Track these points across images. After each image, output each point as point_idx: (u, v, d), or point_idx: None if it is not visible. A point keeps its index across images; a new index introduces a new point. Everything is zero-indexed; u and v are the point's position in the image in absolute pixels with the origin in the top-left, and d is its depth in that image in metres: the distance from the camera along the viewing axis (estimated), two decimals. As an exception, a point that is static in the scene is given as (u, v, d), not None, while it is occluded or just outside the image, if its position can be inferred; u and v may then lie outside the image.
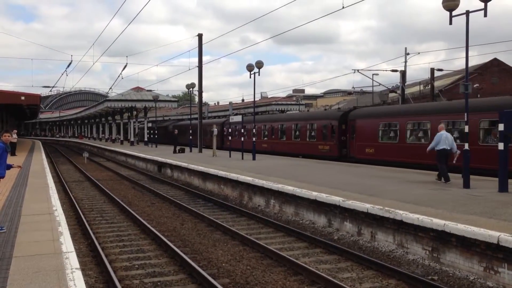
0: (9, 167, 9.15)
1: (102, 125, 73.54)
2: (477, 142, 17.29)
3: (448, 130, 15.95)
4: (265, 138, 34.35)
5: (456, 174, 14.41)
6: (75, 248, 7.53)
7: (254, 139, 26.19)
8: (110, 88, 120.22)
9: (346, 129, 25.57)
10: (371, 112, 24.79)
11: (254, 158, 24.76)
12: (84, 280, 5.85)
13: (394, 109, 24.40)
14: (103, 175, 26.83)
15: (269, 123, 34.50)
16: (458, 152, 14.08)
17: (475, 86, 31.66)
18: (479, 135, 17.57)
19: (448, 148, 14.14)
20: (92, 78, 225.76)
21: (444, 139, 14.19)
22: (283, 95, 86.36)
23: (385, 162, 21.58)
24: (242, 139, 27.31)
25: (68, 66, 36.69)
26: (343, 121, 25.89)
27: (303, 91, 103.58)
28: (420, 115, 20.89)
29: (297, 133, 30.35)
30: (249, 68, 24.26)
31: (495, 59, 42.81)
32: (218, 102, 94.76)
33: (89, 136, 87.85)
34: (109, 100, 51.55)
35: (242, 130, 29.96)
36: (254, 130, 27.06)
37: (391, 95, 41.75)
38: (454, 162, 14.23)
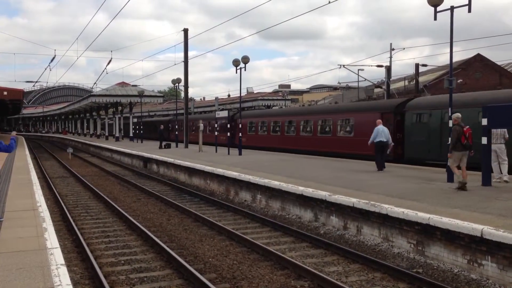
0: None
1: (86, 121, 72.79)
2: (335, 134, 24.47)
3: (303, 127, 24.50)
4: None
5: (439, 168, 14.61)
6: (60, 244, 7.46)
7: (240, 134, 26.16)
8: (95, 83, 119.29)
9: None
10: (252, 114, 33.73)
11: (240, 153, 24.74)
12: (70, 276, 5.80)
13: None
14: (88, 170, 26.60)
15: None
16: (392, 144, 16.18)
17: (459, 81, 31.94)
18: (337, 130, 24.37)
19: (385, 140, 15.61)
20: (77, 73, 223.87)
21: (381, 132, 15.61)
22: (269, 90, 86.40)
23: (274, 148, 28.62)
24: (228, 134, 27.25)
25: (52, 60, 36.24)
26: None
27: (289, 86, 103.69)
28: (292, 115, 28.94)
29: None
30: (235, 63, 24.18)
31: (478, 55, 43.25)
32: (204, 98, 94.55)
33: (73, 131, 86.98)
34: (94, 95, 51.00)
35: (240, 125, 28.66)
36: (240, 125, 27.01)
37: (377, 90, 42.01)
38: (388, 152, 15.98)
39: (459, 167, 11.63)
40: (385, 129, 15.87)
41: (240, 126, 26.90)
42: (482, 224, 7.63)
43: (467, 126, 11.81)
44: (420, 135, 19.10)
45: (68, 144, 50.58)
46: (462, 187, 11.21)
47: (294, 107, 43.08)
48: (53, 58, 36.45)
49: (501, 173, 12.74)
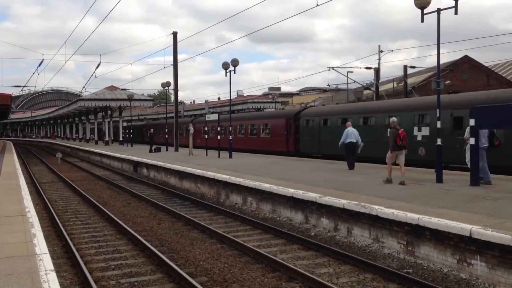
0: None
1: (75, 125, 72.33)
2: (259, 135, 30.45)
3: (252, 130, 28.33)
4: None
5: (429, 169, 14.72)
6: (49, 249, 7.40)
7: (230, 137, 26.15)
8: (84, 87, 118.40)
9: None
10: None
11: (230, 156, 24.73)
12: (59, 282, 5.76)
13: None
14: (77, 175, 26.42)
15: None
16: (362, 144, 16.81)
17: (446, 82, 32.25)
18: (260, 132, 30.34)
19: (355, 141, 16.69)
20: (66, 77, 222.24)
21: (351, 134, 16.70)
22: (259, 93, 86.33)
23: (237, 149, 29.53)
24: (219, 137, 27.24)
25: (40, 65, 36.06)
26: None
27: (279, 89, 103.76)
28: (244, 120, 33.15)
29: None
30: (225, 66, 24.20)
31: (466, 56, 43.64)
32: (194, 101, 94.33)
33: (62, 136, 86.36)
34: (83, 100, 50.73)
35: (230, 129, 29.31)
36: (230, 128, 27.00)
37: (366, 92, 42.25)
38: (358, 152, 16.89)
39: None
40: (355, 131, 16.94)
41: (230, 129, 26.91)
42: (471, 224, 7.70)
43: (402, 129, 13.22)
44: (308, 135, 25.53)
45: (57, 149, 50.26)
46: (388, 181, 13.01)
47: (242, 114, 45.92)
48: (41, 62, 36.26)
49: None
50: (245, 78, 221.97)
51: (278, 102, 61.17)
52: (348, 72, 39.55)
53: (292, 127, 27.07)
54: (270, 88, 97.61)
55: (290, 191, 12.24)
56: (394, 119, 13.65)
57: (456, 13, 12.00)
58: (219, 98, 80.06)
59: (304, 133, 24.98)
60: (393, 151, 13.18)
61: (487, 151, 12.61)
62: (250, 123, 32.50)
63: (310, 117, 26.00)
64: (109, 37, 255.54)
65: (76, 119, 68.07)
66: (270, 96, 67.06)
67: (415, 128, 19.22)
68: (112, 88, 52.66)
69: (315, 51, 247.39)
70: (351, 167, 16.83)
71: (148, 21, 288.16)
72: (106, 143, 49.77)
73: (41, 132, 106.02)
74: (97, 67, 36.96)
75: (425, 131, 18.80)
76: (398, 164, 13.25)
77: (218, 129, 27.55)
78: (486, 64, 45.49)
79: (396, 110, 20.69)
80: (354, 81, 39.86)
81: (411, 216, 8.62)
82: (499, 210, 8.84)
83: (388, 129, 13.65)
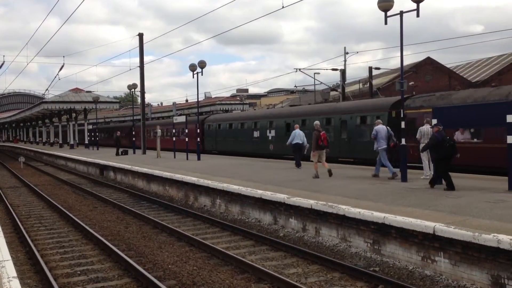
0: None
1: (39, 128, 70.51)
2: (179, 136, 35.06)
3: (178, 133, 32.18)
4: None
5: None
6: (12, 256, 7.21)
7: (198, 139, 26.03)
8: (47, 89, 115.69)
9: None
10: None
11: (199, 158, 24.62)
12: (22, 289, 5.61)
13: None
14: (41, 180, 25.79)
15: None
16: (308, 145, 17.86)
17: (410, 83, 33.00)
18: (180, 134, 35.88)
19: (301, 142, 17.91)
20: (28, 80, 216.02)
21: (298, 136, 17.93)
22: (227, 95, 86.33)
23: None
24: (187, 139, 27.13)
25: (0, 67, 34.93)
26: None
27: (247, 90, 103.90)
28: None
29: None
30: (192, 67, 24.07)
31: (428, 58, 44.69)
32: (162, 103, 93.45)
33: (25, 140, 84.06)
34: (46, 102, 49.44)
35: (198, 130, 30.33)
36: (198, 130, 26.87)
37: (333, 93, 42.77)
38: (305, 152, 18.00)
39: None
40: (301, 133, 18.25)
41: (198, 131, 26.81)
42: (435, 222, 7.90)
43: (323, 131, 15.05)
44: (209, 137, 32.70)
45: (19, 153, 48.91)
46: (316, 177, 14.53)
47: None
48: (2, 64, 35.15)
49: (430, 170, 13.23)
50: (213, 80, 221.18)
51: (246, 103, 61.28)
52: (315, 73, 39.92)
53: (201, 130, 33.09)
54: (238, 90, 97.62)
55: (258, 193, 12.28)
56: (317, 122, 15.69)
57: (418, 15, 12.29)
58: (187, 100, 79.55)
59: (206, 135, 31.27)
60: (315, 151, 14.76)
61: (387, 151, 14.34)
62: (180, 127, 35.54)
63: (210, 123, 33.87)
64: (73, 39, 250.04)
65: (40, 122, 66.38)
66: (238, 98, 67.12)
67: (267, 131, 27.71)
68: (76, 90, 51.55)
69: (282, 52, 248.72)
70: (297, 165, 18.11)
71: (113, 22, 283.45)
72: (71, 147, 48.72)
73: (3, 136, 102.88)
74: (60, 69, 36.35)
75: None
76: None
77: (173, 131, 30.26)
78: (448, 66, 46.73)
79: (260, 117, 29.79)
80: (321, 83, 40.27)
81: (377, 215, 8.78)
82: (461, 207, 9.10)
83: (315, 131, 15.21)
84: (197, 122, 30.82)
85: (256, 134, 28.96)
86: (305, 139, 18.11)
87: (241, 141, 30.54)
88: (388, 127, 14.75)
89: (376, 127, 14.63)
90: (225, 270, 8.45)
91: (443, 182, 11.43)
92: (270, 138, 27.42)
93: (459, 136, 16.64)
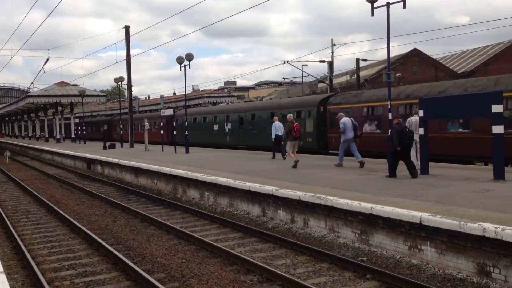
0: None
1: (24, 122, 69.71)
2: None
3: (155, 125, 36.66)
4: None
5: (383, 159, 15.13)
6: (-2, 252, 7.14)
7: (186, 132, 25.94)
8: (32, 83, 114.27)
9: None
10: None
11: (187, 151, 24.55)
12: (10, 284, 5.58)
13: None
14: (28, 174, 25.54)
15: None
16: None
17: (397, 75, 33.13)
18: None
19: (280, 134, 18.52)
20: (13, 74, 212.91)
21: (278, 128, 18.67)
22: (215, 87, 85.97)
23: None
24: (175, 132, 27.16)
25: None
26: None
27: (234, 83, 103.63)
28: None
29: None
30: (179, 60, 23.93)
31: (415, 49, 44.85)
32: (149, 96, 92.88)
33: (10, 134, 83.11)
34: (31, 96, 48.86)
35: (186, 124, 30.48)
36: (186, 123, 26.78)
37: (320, 85, 42.82)
38: (282, 143, 18.50)
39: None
40: (281, 125, 18.85)
41: (186, 124, 26.71)
42: (421, 211, 7.98)
43: (296, 123, 16.05)
44: (179, 130, 32.74)
45: (5, 148, 48.37)
46: (295, 165, 15.11)
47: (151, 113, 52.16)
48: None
49: (417, 160, 13.34)
50: (201, 73, 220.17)
51: (234, 96, 61.20)
52: (302, 65, 39.98)
53: (173, 124, 34.39)
54: (226, 83, 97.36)
55: (247, 185, 12.29)
56: (290, 115, 16.89)
57: (404, 7, 12.37)
58: (174, 93, 79.18)
59: (178, 129, 32.01)
60: (289, 141, 15.82)
61: (353, 141, 15.06)
62: (155, 121, 40.01)
63: (179, 117, 35.77)
64: (58, 31, 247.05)
65: (25, 116, 65.62)
66: (226, 91, 66.96)
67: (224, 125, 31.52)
68: (62, 83, 50.99)
69: (270, 45, 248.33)
70: (274, 156, 19.25)
71: (99, 15, 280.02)
72: (58, 141, 48.27)
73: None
74: (46, 62, 35.86)
75: (229, 125, 31.08)
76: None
77: (161, 124, 31.33)
78: (434, 57, 46.98)
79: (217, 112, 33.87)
80: (309, 74, 40.31)
81: (365, 206, 8.84)
82: (447, 197, 9.20)
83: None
84: (170, 117, 33.53)
85: (215, 127, 32.64)
86: (284, 131, 18.30)
87: (203, 134, 34.10)
88: (352, 119, 15.54)
89: (341, 120, 15.20)
90: (214, 262, 8.46)
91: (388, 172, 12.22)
92: (227, 130, 31.28)
93: (367, 127, 20.14)
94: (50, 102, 48.39)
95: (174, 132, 29.07)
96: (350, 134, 14.92)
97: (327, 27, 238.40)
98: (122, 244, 9.91)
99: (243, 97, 73.05)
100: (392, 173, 12.19)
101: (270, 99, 46.02)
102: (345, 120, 15.10)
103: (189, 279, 7.61)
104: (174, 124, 30.69)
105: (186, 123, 26.73)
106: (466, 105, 11.49)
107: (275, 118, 19.70)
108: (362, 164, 14.58)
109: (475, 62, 46.30)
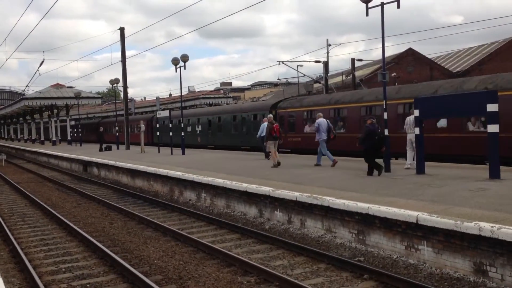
0: None
1: (20, 125, 69.50)
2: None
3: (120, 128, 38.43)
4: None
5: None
6: (-6, 255, 7.11)
7: (182, 133, 25.91)
8: (27, 85, 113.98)
9: None
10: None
11: (183, 153, 24.53)
12: (6, 288, 5.55)
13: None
14: (24, 177, 25.46)
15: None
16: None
17: (392, 75, 33.20)
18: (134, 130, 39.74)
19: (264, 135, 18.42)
20: (8, 76, 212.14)
21: (266, 129, 17.95)
22: (211, 88, 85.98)
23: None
24: (171, 133, 27.02)
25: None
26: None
27: (230, 84, 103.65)
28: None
29: None
30: (175, 62, 23.90)
31: (410, 49, 44.96)
32: (145, 98, 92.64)
33: (6, 137, 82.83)
34: (27, 99, 48.76)
35: (182, 125, 30.83)
36: (182, 124, 26.77)
37: (316, 85, 42.86)
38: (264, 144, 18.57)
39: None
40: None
41: (182, 125, 26.69)
42: (417, 211, 8.00)
43: (276, 123, 16.65)
44: (163, 132, 32.06)
45: (0, 151, 48.13)
46: (276, 165, 15.65)
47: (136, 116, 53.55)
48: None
49: (413, 160, 13.41)
50: (196, 74, 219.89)
51: (230, 97, 61.16)
52: (298, 66, 39.93)
53: (153, 127, 37.79)
54: (222, 84, 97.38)
55: (243, 186, 12.29)
56: (270, 115, 17.44)
57: (398, 6, 12.38)
58: (170, 95, 79.04)
59: (160, 130, 32.49)
60: (268, 141, 16.25)
61: (327, 142, 15.53)
62: (135, 123, 41.57)
63: (162, 119, 36.07)
64: (53, 34, 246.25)
65: (21, 119, 65.41)
66: (222, 92, 66.93)
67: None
68: (58, 86, 50.93)
69: (265, 45, 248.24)
70: (267, 156, 19.01)
71: (94, 16, 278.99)
72: (54, 143, 48.14)
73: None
74: (41, 64, 36.17)
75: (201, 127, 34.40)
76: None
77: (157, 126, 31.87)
78: (429, 56, 47.13)
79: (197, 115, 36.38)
80: (304, 75, 40.34)
81: (361, 206, 8.86)
82: (443, 196, 9.23)
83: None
84: (149, 120, 36.69)
85: (188, 129, 35.36)
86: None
87: (178, 135, 34.84)
88: (328, 120, 16.02)
89: (317, 120, 15.75)
90: (211, 263, 8.46)
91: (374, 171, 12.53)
92: (198, 132, 34.89)
93: (307, 128, 22.04)
94: (46, 104, 48.29)
95: (158, 133, 30.48)
96: (324, 135, 15.40)
97: (322, 27, 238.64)
98: (119, 247, 9.89)
99: (239, 98, 73.07)
100: (370, 171, 12.65)
101: (266, 99, 46.07)
102: (321, 121, 15.60)
103: (187, 281, 7.61)
104: (157, 126, 31.31)
105: (183, 125, 26.71)
106: (461, 104, 11.51)
107: (264, 119, 19.81)
108: (317, 166, 15.36)
109: (470, 61, 46.46)
